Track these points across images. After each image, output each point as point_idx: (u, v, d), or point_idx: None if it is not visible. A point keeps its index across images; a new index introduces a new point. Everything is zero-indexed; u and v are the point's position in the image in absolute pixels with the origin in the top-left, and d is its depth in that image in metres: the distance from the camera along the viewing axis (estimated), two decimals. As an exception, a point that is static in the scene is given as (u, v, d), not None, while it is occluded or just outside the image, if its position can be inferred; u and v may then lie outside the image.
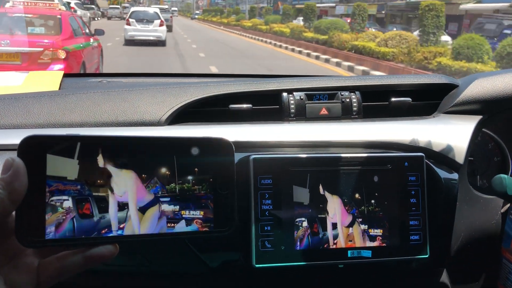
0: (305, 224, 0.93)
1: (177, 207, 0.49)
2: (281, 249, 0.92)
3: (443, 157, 1.05)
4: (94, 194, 0.46)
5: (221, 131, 1.03)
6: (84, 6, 28.23)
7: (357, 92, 1.14)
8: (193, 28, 35.40)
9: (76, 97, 1.05)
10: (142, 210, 0.49)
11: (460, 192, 1.04)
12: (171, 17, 26.44)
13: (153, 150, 0.49)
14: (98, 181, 0.47)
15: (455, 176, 1.04)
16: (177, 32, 26.30)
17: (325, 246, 0.93)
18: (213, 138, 0.52)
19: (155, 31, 15.73)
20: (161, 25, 15.93)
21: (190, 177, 0.50)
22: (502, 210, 1.13)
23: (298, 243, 0.93)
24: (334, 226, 0.94)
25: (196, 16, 63.76)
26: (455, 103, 1.14)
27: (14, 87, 1.25)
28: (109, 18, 40.45)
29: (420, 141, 1.05)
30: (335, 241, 0.94)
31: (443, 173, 1.03)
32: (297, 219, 0.93)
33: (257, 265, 0.91)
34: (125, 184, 0.48)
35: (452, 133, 1.08)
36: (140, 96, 1.07)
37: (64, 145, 0.45)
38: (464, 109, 1.14)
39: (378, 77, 1.21)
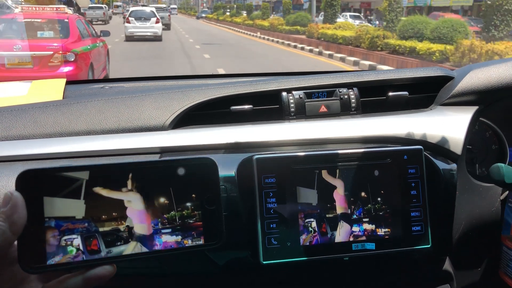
0: (309, 219, 0.95)
1: (179, 237, 0.52)
2: (287, 245, 0.94)
3: (441, 149, 1.07)
4: (100, 229, 0.49)
5: (223, 133, 1.06)
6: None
7: (355, 88, 1.16)
8: (212, 35, 24.04)
9: (81, 106, 1.08)
10: (141, 237, 0.51)
11: (460, 181, 1.06)
12: (169, 15, 26.54)
13: (144, 175, 0.51)
14: (103, 216, 0.49)
15: (453, 166, 1.06)
16: (190, 50, 15.47)
17: (330, 240, 0.96)
18: (197, 157, 0.54)
19: (152, 27, 17.66)
20: (157, 22, 17.89)
21: (182, 199, 0.52)
22: (501, 198, 1.15)
23: (303, 238, 0.95)
24: (337, 220, 0.96)
25: (204, 15, 51.07)
26: (451, 95, 1.16)
27: (20, 98, 1.29)
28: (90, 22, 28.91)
29: (418, 134, 1.07)
30: (339, 235, 0.96)
31: (442, 164, 1.05)
32: (301, 215, 0.95)
33: (264, 262, 0.93)
34: (122, 212, 0.50)
35: (449, 125, 1.10)
36: (143, 102, 1.09)
37: (64, 184, 0.47)
38: (460, 100, 1.16)
39: (375, 72, 1.24)
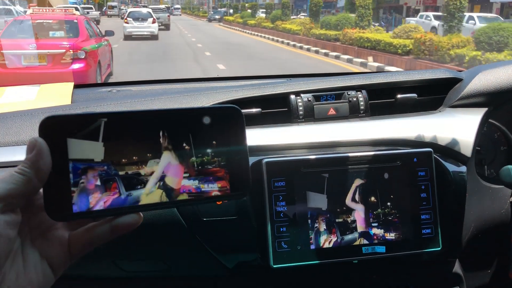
0: (319, 222, 0.96)
1: (196, 181, 0.51)
2: (297, 248, 0.95)
3: (451, 151, 1.07)
4: (120, 173, 0.48)
5: None
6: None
7: (363, 91, 1.16)
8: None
9: (89, 111, 1.06)
10: (164, 183, 0.50)
11: (469, 184, 1.06)
12: (168, 16, 26.68)
13: (168, 122, 0.50)
14: (123, 160, 0.48)
15: (463, 169, 1.06)
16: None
17: (340, 243, 0.96)
18: (223, 106, 0.54)
19: (149, 27, 18.72)
20: (153, 22, 18.96)
21: (206, 148, 0.51)
22: (511, 199, 1.15)
23: (313, 242, 0.95)
24: (347, 223, 0.97)
25: (217, 17, 41.25)
26: (460, 97, 1.16)
27: (28, 102, 1.28)
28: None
29: (427, 136, 1.07)
30: (349, 238, 0.97)
31: (451, 167, 1.05)
32: (311, 219, 0.95)
33: (274, 266, 0.94)
34: (146, 159, 0.49)
35: (458, 127, 1.10)
36: (152, 107, 1.09)
37: (85, 126, 0.47)
38: (469, 102, 1.15)
39: (384, 74, 1.24)
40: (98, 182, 0.47)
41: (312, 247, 0.95)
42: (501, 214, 1.13)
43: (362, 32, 13.89)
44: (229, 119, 0.53)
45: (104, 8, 40.56)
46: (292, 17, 24.55)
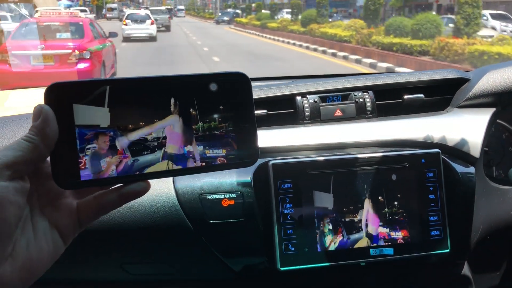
0: (326, 225, 0.95)
1: (201, 147, 0.50)
2: (305, 251, 0.94)
3: (459, 152, 1.06)
4: (125, 139, 0.47)
5: None
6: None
7: (370, 92, 1.16)
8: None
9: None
10: (170, 150, 0.50)
11: (478, 185, 1.05)
12: (169, 17, 26.52)
13: (174, 89, 0.49)
14: (129, 125, 0.48)
15: (471, 170, 1.05)
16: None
17: (347, 245, 0.96)
18: (230, 72, 0.53)
19: (147, 29, 18.99)
20: (151, 24, 19.19)
21: (212, 114, 0.50)
22: None
23: (320, 244, 0.95)
24: (355, 225, 0.96)
25: (226, 18, 36.33)
26: (468, 97, 1.15)
27: (34, 105, 1.35)
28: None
29: (435, 137, 1.06)
30: (356, 240, 0.96)
31: (459, 168, 1.04)
32: (318, 221, 0.95)
33: (282, 268, 0.93)
34: (152, 125, 0.49)
35: (466, 128, 1.09)
36: None
37: (90, 92, 0.46)
38: (477, 102, 1.15)
39: (390, 75, 1.23)
40: (105, 148, 0.47)
41: (320, 249, 0.95)
42: (509, 216, 1.12)
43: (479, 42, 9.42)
44: (236, 85, 0.52)
45: (104, 10, 37.32)
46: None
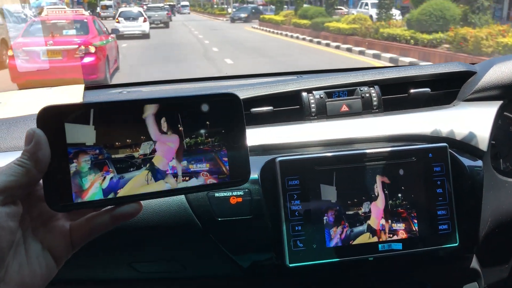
0: (334, 221, 0.95)
1: (185, 162, 0.51)
2: (313, 247, 0.94)
3: (466, 145, 1.06)
4: (112, 156, 0.48)
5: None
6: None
7: (376, 86, 1.15)
8: None
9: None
10: (152, 164, 0.50)
11: (485, 178, 1.05)
12: (167, 13, 25.94)
13: (164, 109, 0.50)
14: (115, 143, 0.48)
15: (479, 163, 1.05)
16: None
17: (356, 241, 0.96)
18: (221, 93, 0.53)
19: (140, 26, 18.84)
20: (144, 21, 19.06)
21: (200, 131, 0.51)
22: None
23: (329, 240, 0.95)
24: (363, 221, 0.96)
25: (243, 15, 29.81)
26: (475, 90, 1.14)
27: (39, 106, 1.20)
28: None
29: (442, 131, 1.06)
30: (365, 236, 0.96)
31: (467, 161, 1.04)
32: (326, 217, 0.95)
33: (291, 265, 0.94)
34: (139, 142, 0.49)
35: (473, 121, 1.08)
36: None
37: (79, 113, 0.47)
38: (484, 95, 1.14)
39: (396, 69, 1.22)
40: (91, 166, 0.47)
41: (328, 245, 0.95)
42: None
43: None
44: (228, 106, 0.53)
45: (98, 8, 32.46)
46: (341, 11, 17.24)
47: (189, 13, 48.91)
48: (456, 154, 1.04)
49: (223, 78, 1.63)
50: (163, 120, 0.50)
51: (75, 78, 7.18)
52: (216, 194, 0.95)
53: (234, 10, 34.27)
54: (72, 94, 1.38)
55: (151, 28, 19.62)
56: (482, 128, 1.08)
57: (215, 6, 49.44)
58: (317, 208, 0.95)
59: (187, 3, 53.28)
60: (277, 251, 0.97)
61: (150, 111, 0.50)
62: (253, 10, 31.07)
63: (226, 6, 45.54)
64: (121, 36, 17.81)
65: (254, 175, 0.97)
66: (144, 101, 0.50)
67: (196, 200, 0.95)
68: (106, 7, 32.45)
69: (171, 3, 48.37)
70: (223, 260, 0.99)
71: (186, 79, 1.56)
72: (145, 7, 28.36)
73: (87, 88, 1.41)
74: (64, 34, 7.97)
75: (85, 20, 8.25)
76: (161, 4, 31.79)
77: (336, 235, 0.96)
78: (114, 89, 1.48)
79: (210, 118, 0.52)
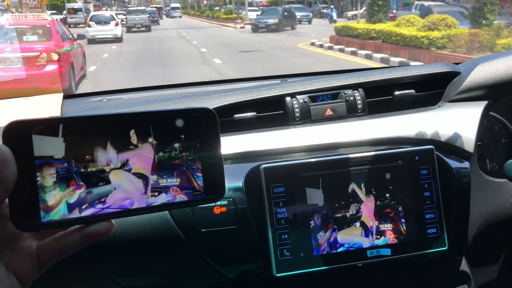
0: (321, 225, 0.93)
1: (155, 176, 0.49)
2: (300, 256, 0.92)
3: (453, 147, 1.05)
4: (81, 170, 0.46)
5: (228, 142, 1.03)
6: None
7: (360, 89, 1.14)
8: None
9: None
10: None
11: (472, 179, 1.04)
12: (148, 17, 24.64)
13: (136, 124, 0.49)
14: (85, 157, 0.47)
15: (466, 165, 1.04)
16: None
17: (344, 246, 0.94)
18: (196, 108, 0.53)
19: (112, 30, 18.64)
20: (116, 25, 18.94)
21: (173, 145, 0.50)
22: None
23: (316, 247, 0.93)
24: (351, 227, 0.95)
25: (270, 21, 19.44)
26: (459, 91, 1.13)
27: (16, 116, 1.15)
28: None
29: (428, 133, 1.05)
30: (353, 242, 0.94)
31: (454, 163, 1.03)
32: (313, 224, 0.93)
33: (278, 275, 0.92)
34: (108, 159, 0.48)
35: (459, 122, 1.08)
36: None
37: (47, 127, 0.45)
38: (469, 96, 1.13)
39: (380, 71, 1.21)
40: (57, 181, 0.45)
41: (316, 253, 0.93)
42: (505, 209, 1.11)
43: None
44: (203, 121, 0.52)
45: (64, 12, 26.12)
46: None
47: (180, 16, 43.56)
48: (443, 156, 1.03)
49: (207, 83, 1.60)
50: (132, 132, 0.49)
51: (37, 88, 6.70)
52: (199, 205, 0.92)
53: (257, 15, 23.16)
54: (50, 104, 1.34)
55: (131, 32, 19.18)
56: (468, 129, 1.07)
57: (218, 8, 38.77)
58: (303, 214, 0.94)
59: (178, 5, 46.98)
60: (264, 261, 0.95)
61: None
62: (286, 13, 20.72)
63: (234, 7, 31.51)
64: (93, 41, 17.81)
65: (238, 183, 0.95)
66: (116, 117, 0.49)
67: (179, 211, 0.93)
68: (75, 10, 25.92)
69: (158, 5, 46.27)
70: (208, 271, 0.97)
71: (167, 85, 1.53)
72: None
73: (66, 97, 1.39)
74: (25, 41, 7.47)
75: (48, 25, 7.78)
76: (143, 7, 30.74)
77: (323, 240, 0.94)
78: (94, 97, 1.45)
79: (184, 132, 0.51)
